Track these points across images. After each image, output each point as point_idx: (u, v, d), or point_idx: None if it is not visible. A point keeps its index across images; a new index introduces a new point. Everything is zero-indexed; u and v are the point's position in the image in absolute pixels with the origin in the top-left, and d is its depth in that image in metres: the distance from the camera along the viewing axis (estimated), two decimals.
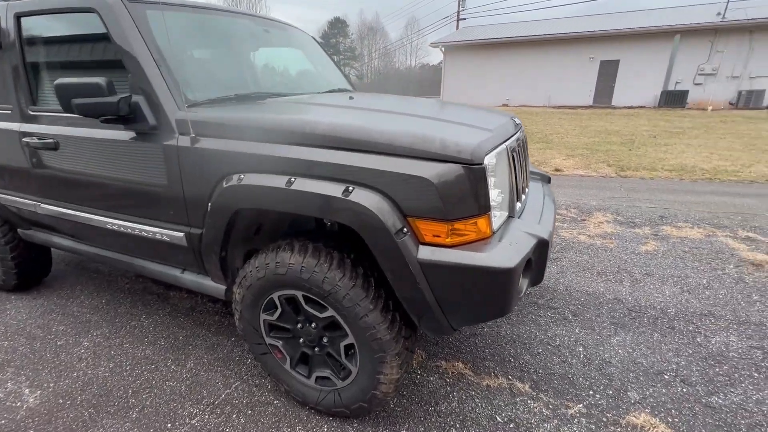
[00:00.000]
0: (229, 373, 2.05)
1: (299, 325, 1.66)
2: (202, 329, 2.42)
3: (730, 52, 16.47)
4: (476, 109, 2.11)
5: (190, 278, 1.96)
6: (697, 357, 2.06)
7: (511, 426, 1.70)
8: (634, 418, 1.71)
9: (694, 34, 16.79)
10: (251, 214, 1.70)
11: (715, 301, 2.55)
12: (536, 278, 1.54)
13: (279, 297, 1.62)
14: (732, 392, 1.83)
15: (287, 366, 1.76)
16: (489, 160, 1.34)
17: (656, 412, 1.74)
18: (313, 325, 1.62)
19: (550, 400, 1.83)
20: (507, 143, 1.57)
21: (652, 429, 1.66)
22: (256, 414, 1.79)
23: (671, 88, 17.62)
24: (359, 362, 1.54)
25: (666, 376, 1.94)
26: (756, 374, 1.93)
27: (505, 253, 1.31)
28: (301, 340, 1.69)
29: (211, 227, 1.66)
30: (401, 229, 1.30)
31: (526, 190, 1.92)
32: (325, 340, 1.63)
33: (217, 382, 1.98)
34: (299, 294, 1.56)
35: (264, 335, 1.75)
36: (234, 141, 1.55)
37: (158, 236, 1.86)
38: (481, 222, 1.34)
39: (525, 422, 1.71)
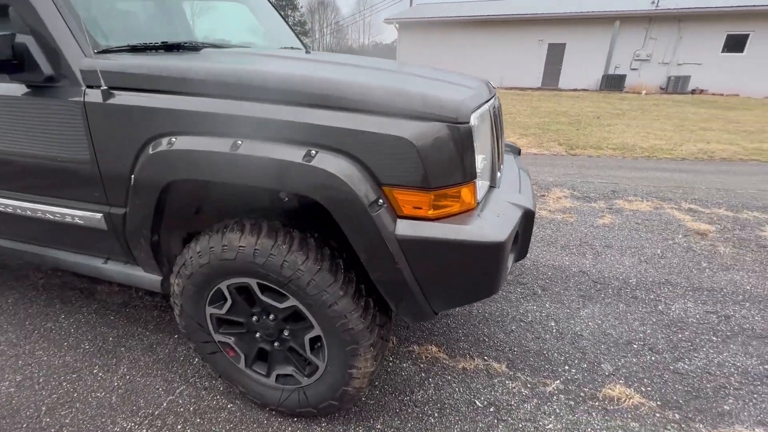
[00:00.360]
0: (171, 376, 1.76)
1: (254, 318, 1.42)
2: (137, 327, 2.08)
3: (662, 40, 17.69)
4: (447, 71, 1.92)
5: (116, 269, 1.62)
6: (661, 325, 2.10)
7: (492, 410, 1.60)
8: (610, 391, 1.68)
9: (632, 20, 17.78)
10: (188, 188, 1.40)
11: (670, 269, 2.65)
12: (521, 253, 1.42)
13: (228, 287, 1.36)
14: (695, 357, 1.88)
15: (242, 365, 1.52)
16: (474, 120, 1.16)
17: (630, 383, 1.73)
18: (272, 317, 1.38)
19: (528, 378, 1.76)
20: (488, 104, 1.41)
21: (627, 399, 1.64)
22: (206, 422, 1.54)
23: (611, 72, 18.67)
24: (327, 356, 1.34)
25: (635, 346, 1.95)
26: (714, 338, 2.00)
27: (493, 226, 1.15)
28: (258, 334, 1.45)
29: (137, 206, 1.34)
30: (376, 201, 1.10)
31: (503, 159, 1.78)
32: (286, 333, 1.41)
33: (158, 389, 1.69)
34: (253, 282, 1.31)
35: (212, 332, 1.49)
36: (162, 95, 1.23)
37: (69, 219, 1.50)
38: (466, 192, 1.17)
39: (505, 404, 1.62)
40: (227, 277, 1.32)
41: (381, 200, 1.10)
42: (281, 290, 1.27)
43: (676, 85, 17.55)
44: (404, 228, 1.11)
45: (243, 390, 1.56)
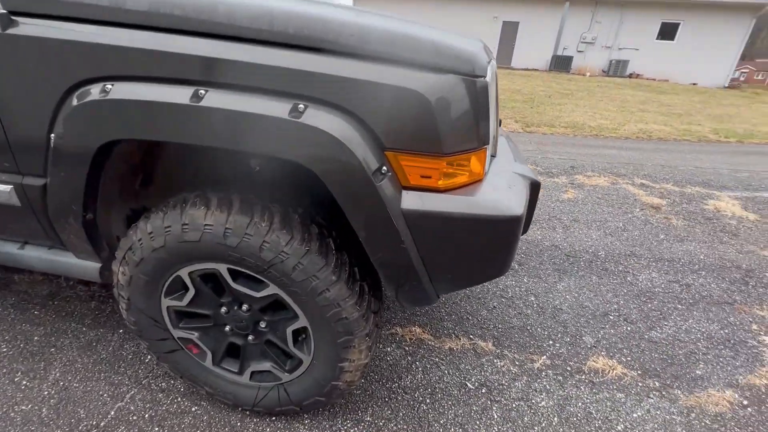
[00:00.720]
0: (119, 378, 1.49)
1: (223, 310, 1.20)
2: (70, 323, 1.75)
3: (605, 24, 18.56)
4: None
5: (37, 256, 1.30)
6: (631, 295, 2.17)
7: (484, 391, 1.54)
8: (594, 363, 1.69)
9: (581, 2, 18.40)
10: (131, 151, 1.12)
11: (633, 241, 2.76)
12: (525, 228, 1.31)
13: (190, 274, 1.12)
14: (666, 325, 1.95)
15: (208, 363, 1.30)
16: (489, 75, 1.00)
17: (611, 354, 1.76)
18: (245, 307, 1.17)
19: (515, 356, 1.72)
20: (493, 62, 1.25)
21: (611, 371, 1.66)
22: (167, 429, 1.31)
23: (560, 53, 19.36)
24: (314, 349, 1.17)
25: (611, 317, 1.99)
26: (679, 306, 2.10)
27: (509, 199, 1.02)
28: (227, 328, 1.24)
29: (61, 176, 1.04)
30: (379, 169, 0.91)
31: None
32: (263, 325, 1.21)
33: (102, 395, 1.42)
34: (222, 268, 1.09)
35: (170, 327, 1.25)
36: (92, 26, 0.93)
37: None
38: (475, 160, 1.02)
39: (496, 385, 1.57)
40: (189, 262, 1.08)
41: (385, 167, 0.92)
42: (259, 276, 1.06)
43: (617, 69, 18.66)
44: (411, 201, 0.95)
45: (210, 391, 1.35)
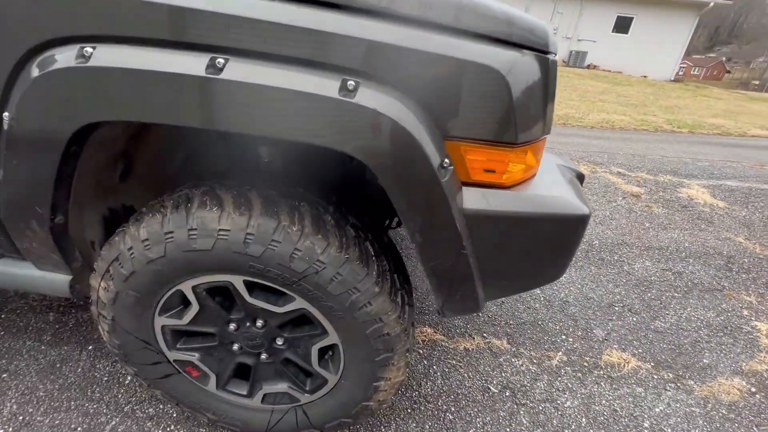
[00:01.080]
0: (94, 407, 1.26)
1: (232, 327, 1.01)
2: (25, 341, 1.47)
3: (567, 15, 19.07)
4: None
5: None
6: (631, 285, 2.19)
7: (508, 394, 1.46)
8: (608, 357, 1.67)
9: None
10: (115, 136, 0.89)
11: (623, 230, 2.80)
12: None
13: (195, 288, 0.92)
14: (667, 314, 1.98)
15: (211, 386, 1.11)
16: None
17: (623, 346, 1.74)
18: (261, 323, 0.99)
19: (532, 353, 1.66)
20: None
21: (626, 364, 1.64)
22: None
23: None
24: (344, 368, 1.02)
25: (616, 308, 1.99)
26: (676, 294, 2.14)
27: (572, 194, 0.91)
28: (236, 346, 1.05)
29: (18, 168, 0.80)
30: (442, 162, 0.76)
31: None
32: (279, 342, 1.03)
33: (75, 429, 1.19)
34: (238, 280, 0.90)
35: (165, 349, 1.04)
36: None
37: None
38: (531, 151, 0.90)
39: (519, 386, 1.50)
40: (194, 275, 0.89)
41: (447, 160, 0.77)
42: (284, 290, 0.89)
43: (576, 60, 19.34)
44: (474, 199, 0.81)
45: (213, 417, 1.16)
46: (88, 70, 0.69)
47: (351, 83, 0.70)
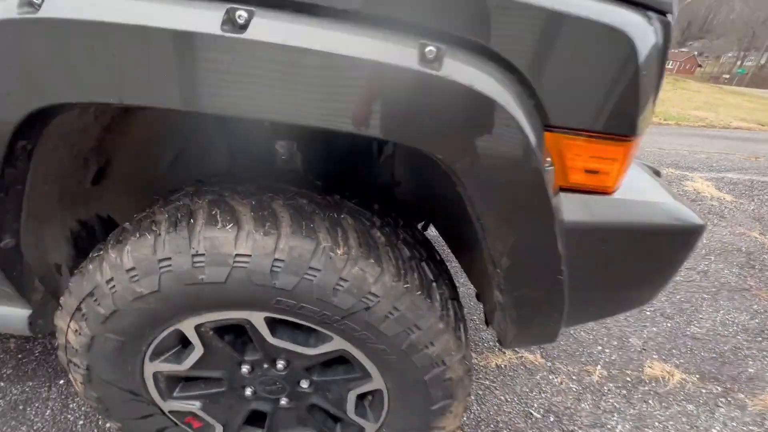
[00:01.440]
0: None
1: (245, 369, 0.79)
2: None
3: None
4: None
5: None
6: None
7: (552, 419, 1.30)
8: (650, 369, 1.53)
9: None
10: (84, 126, 0.65)
11: None
12: None
13: (199, 328, 0.70)
14: (701, 318, 1.86)
15: None
16: None
17: (663, 356, 1.61)
18: (282, 365, 0.78)
19: (569, 369, 1.50)
20: None
21: (670, 378, 1.50)
22: None
23: None
24: (387, 416, 0.82)
25: (647, 313, 1.85)
26: (706, 295, 2.03)
27: (678, 201, 0.73)
28: (249, 391, 0.83)
29: None
30: (543, 161, 0.57)
31: None
32: (305, 385, 0.82)
33: None
34: (258, 318, 0.68)
35: (158, 400, 0.81)
36: None
37: None
38: (624, 148, 0.71)
39: (563, 408, 1.33)
40: (199, 312, 0.66)
41: (549, 159, 0.58)
42: (320, 329, 0.68)
43: None
44: (575, 209, 0.61)
45: None
46: (40, 24, 0.45)
47: (430, 49, 0.49)
